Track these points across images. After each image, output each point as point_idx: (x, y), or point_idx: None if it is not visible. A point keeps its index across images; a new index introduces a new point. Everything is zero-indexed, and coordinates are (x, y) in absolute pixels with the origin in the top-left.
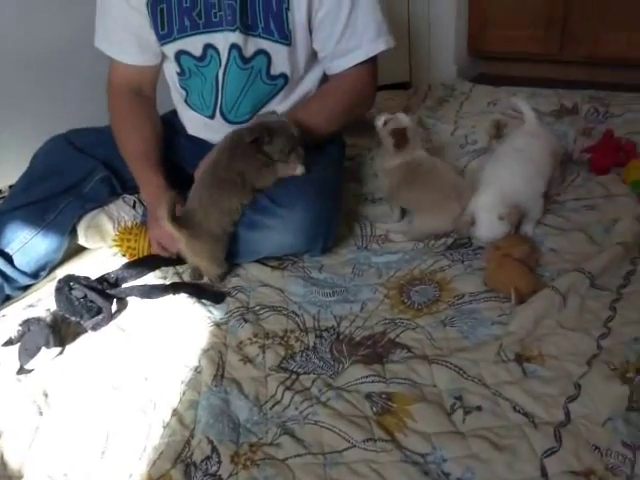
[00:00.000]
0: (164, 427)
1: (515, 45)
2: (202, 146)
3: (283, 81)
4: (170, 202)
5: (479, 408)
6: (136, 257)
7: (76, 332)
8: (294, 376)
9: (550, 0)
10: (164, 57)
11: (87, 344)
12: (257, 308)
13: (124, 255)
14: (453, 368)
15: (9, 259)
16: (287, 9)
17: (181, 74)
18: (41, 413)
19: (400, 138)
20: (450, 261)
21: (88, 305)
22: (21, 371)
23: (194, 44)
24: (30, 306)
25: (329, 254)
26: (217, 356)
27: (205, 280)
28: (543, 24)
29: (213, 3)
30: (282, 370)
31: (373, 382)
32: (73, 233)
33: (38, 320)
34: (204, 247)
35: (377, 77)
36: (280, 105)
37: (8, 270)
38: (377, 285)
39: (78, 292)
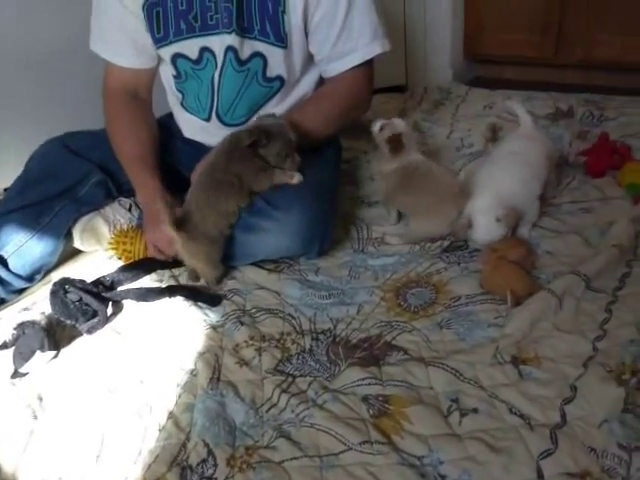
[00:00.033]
0: (160, 430)
1: (511, 49)
2: (198, 149)
3: (279, 83)
4: (170, 205)
5: (475, 410)
6: (132, 260)
7: (71, 335)
8: (290, 379)
9: (545, 4)
10: (160, 60)
11: (82, 347)
12: (253, 311)
13: (120, 258)
14: (449, 370)
15: (4, 262)
16: (283, 12)
17: (177, 77)
18: (36, 417)
19: (396, 144)
20: (446, 263)
21: (83, 308)
22: (15, 375)
23: (190, 47)
24: (25, 309)
25: (325, 257)
26: (213, 359)
27: (201, 283)
28: (538, 28)
29: (209, 6)
30: (278, 373)
31: (369, 384)
32: (68, 236)
33: (33, 323)
34: (201, 249)
35: (373, 80)
36: (276, 107)
37: (3, 273)
38: (373, 288)
39: (73, 295)
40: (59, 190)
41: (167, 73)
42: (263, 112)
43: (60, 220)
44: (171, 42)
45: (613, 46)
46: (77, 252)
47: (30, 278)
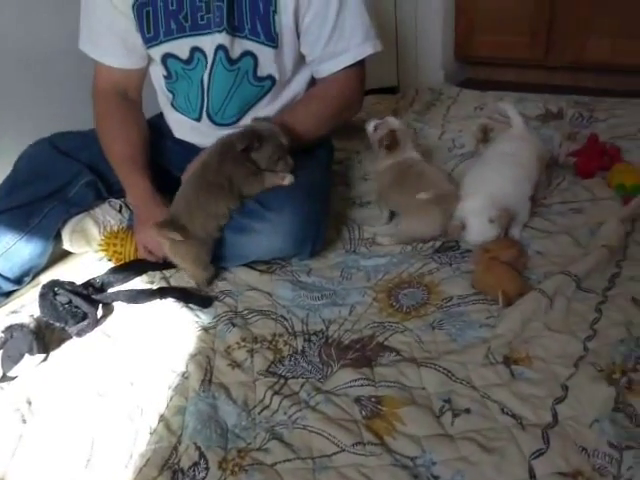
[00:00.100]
0: (151, 433)
1: (501, 51)
2: (189, 149)
3: (270, 83)
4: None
5: (468, 410)
6: (122, 262)
7: (61, 338)
8: (282, 380)
9: (536, 7)
10: (150, 60)
11: (72, 350)
12: (245, 312)
13: (110, 260)
14: (442, 371)
15: None
16: (274, 12)
17: (168, 77)
18: (24, 421)
19: (391, 141)
20: (438, 264)
21: (73, 311)
22: (4, 378)
23: (181, 47)
24: (13, 312)
25: (317, 258)
26: (205, 361)
27: (193, 284)
28: (529, 30)
29: (200, 6)
30: (270, 374)
31: (362, 386)
32: (58, 238)
33: (21, 326)
34: (189, 250)
35: (365, 81)
36: (267, 107)
37: None
38: (366, 288)
39: (63, 297)
40: (48, 191)
41: (157, 73)
42: (254, 112)
43: (49, 221)
44: (161, 42)
45: (602, 49)
46: (66, 254)
47: (19, 280)
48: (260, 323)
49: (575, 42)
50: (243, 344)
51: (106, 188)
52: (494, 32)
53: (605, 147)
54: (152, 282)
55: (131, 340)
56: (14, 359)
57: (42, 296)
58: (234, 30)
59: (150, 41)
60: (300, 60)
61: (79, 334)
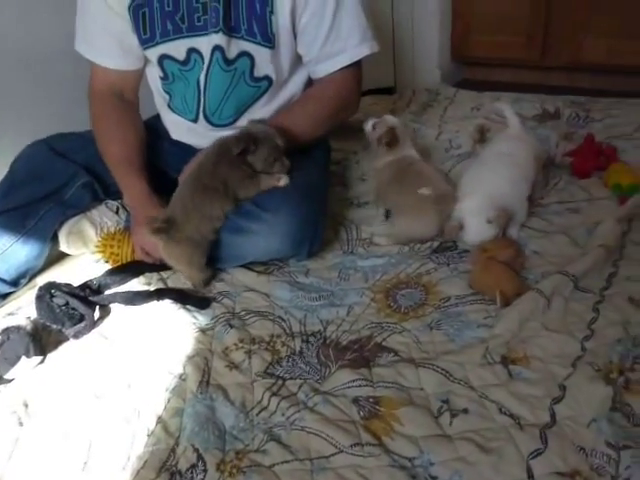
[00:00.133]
0: (148, 436)
1: (498, 51)
2: (186, 151)
3: (267, 83)
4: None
5: (466, 411)
6: (119, 263)
7: (57, 340)
8: (280, 381)
9: (532, 8)
10: (147, 61)
11: (69, 352)
12: (243, 313)
13: (107, 261)
14: (440, 371)
15: None
16: (271, 12)
17: (164, 78)
18: (21, 424)
19: (391, 137)
20: (436, 264)
21: (70, 312)
22: (0, 381)
23: (177, 48)
24: (10, 314)
25: (315, 258)
26: (202, 362)
27: (190, 286)
28: (525, 31)
29: (196, 7)
30: (268, 376)
31: (360, 386)
32: (54, 239)
33: (18, 328)
34: (183, 252)
35: (362, 82)
36: (265, 108)
37: None
38: (363, 289)
39: (59, 299)
40: (45, 192)
41: (154, 74)
42: (251, 113)
43: (46, 223)
44: (158, 43)
45: (598, 49)
46: (63, 256)
47: (15, 282)
48: (258, 324)
49: (571, 43)
50: (241, 345)
51: (103, 189)
52: (490, 33)
53: (601, 147)
54: (149, 284)
55: (128, 342)
56: (11, 361)
57: (39, 298)
58: (230, 31)
59: (146, 42)
60: (297, 61)
61: (76, 336)
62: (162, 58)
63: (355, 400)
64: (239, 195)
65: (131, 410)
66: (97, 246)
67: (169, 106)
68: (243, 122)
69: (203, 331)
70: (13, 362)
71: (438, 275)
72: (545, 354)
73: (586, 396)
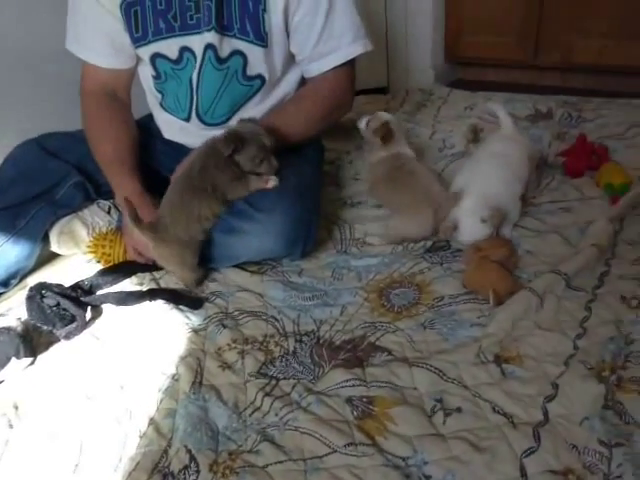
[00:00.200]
0: (140, 437)
1: (491, 52)
2: (178, 150)
3: (260, 82)
4: (132, 205)
5: (459, 410)
6: (111, 263)
7: (48, 341)
8: (274, 382)
9: (524, 9)
10: (139, 60)
11: (60, 354)
12: (236, 313)
13: (99, 261)
14: (433, 370)
15: None
16: (264, 10)
17: (157, 77)
18: (11, 426)
19: (386, 132)
20: (429, 264)
21: (61, 313)
22: None
23: (170, 47)
24: (0, 315)
25: (308, 258)
26: (195, 363)
27: (183, 286)
28: (518, 32)
29: (189, 6)
30: (262, 376)
31: (354, 386)
32: (45, 240)
33: (8, 329)
34: (173, 252)
35: (355, 81)
36: (258, 107)
37: None
38: (357, 289)
39: (50, 300)
40: (35, 192)
41: (146, 73)
42: (244, 112)
43: (37, 223)
44: (150, 42)
45: (590, 50)
46: (54, 256)
47: (5, 283)
48: (251, 324)
49: (563, 43)
50: (234, 345)
51: (94, 189)
52: (484, 33)
53: (593, 147)
54: (141, 284)
55: (120, 342)
56: (0, 363)
57: (29, 299)
58: (223, 29)
59: (138, 41)
60: (290, 59)
61: (67, 337)
62: (154, 57)
63: (349, 400)
64: (228, 196)
65: (123, 411)
66: (89, 246)
67: (161, 105)
68: (236, 121)
69: (196, 331)
70: (3, 363)
71: (431, 274)
72: (538, 353)
73: (579, 394)
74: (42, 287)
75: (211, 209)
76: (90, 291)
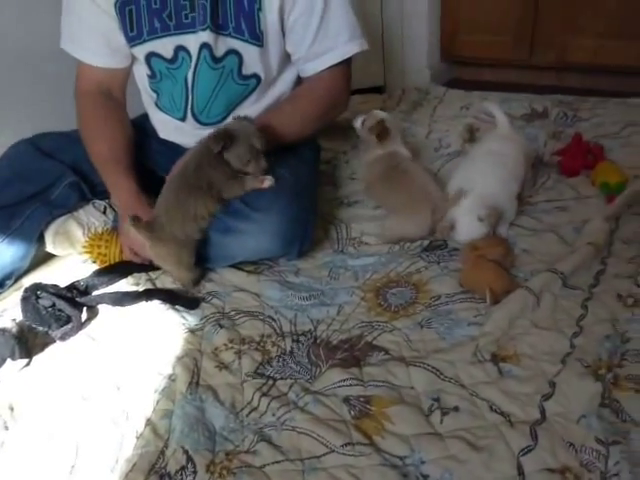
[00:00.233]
0: (137, 438)
1: (487, 51)
2: (174, 150)
3: (255, 81)
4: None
5: (456, 409)
6: (107, 263)
7: (44, 342)
8: (271, 382)
9: (520, 8)
10: (134, 59)
11: (55, 355)
12: (233, 313)
13: (94, 262)
14: (430, 369)
15: None
16: (259, 9)
17: (152, 77)
18: (7, 427)
19: (381, 130)
20: (426, 263)
21: (56, 314)
22: None
23: (165, 46)
24: None
25: (305, 258)
26: (192, 363)
27: (179, 286)
28: (514, 31)
29: (184, 5)
30: (259, 376)
31: (351, 385)
32: (40, 240)
33: (3, 331)
34: (169, 252)
35: (351, 81)
36: (253, 106)
37: None
38: (354, 288)
39: (46, 301)
40: (30, 192)
41: (141, 73)
42: (239, 111)
43: (32, 223)
44: (145, 41)
45: (586, 49)
46: (50, 256)
47: (0, 284)
48: (248, 324)
49: (559, 43)
50: (230, 345)
51: (90, 189)
52: (479, 33)
53: (589, 146)
54: (138, 284)
55: (116, 343)
56: None
57: (24, 299)
58: (218, 28)
59: (133, 40)
60: (286, 59)
61: (63, 338)
62: (149, 56)
63: (346, 399)
64: (224, 195)
65: (119, 412)
66: (84, 246)
67: (157, 105)
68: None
69: (192, 331)
70: None
71: (428, 274)
72: (535, 351)
73: (575, 392)
74: (37, 288)
75: (207, 208)
76: (86, 292)
